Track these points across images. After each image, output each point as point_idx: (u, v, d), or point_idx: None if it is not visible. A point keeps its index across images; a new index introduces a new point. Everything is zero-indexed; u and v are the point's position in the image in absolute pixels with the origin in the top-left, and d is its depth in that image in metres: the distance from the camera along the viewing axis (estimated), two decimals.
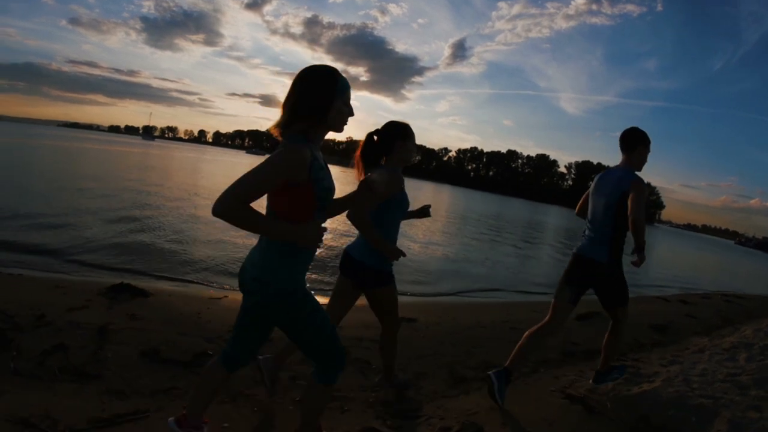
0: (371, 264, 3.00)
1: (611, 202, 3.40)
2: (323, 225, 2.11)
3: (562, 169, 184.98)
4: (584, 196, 3.82)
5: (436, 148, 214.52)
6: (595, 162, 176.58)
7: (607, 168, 3.75)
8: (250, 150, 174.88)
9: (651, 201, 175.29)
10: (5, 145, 34.83)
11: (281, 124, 2.04)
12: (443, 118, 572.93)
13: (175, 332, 4.10)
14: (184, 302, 5.19)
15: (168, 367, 3.43)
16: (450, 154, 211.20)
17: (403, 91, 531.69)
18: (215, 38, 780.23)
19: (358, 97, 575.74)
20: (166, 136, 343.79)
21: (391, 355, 3.43)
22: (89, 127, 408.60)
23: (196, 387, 2.38)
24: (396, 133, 3.02)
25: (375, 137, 3.04)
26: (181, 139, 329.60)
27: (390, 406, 3.37)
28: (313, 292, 2.25)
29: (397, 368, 3.83)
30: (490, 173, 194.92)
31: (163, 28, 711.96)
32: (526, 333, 3.55)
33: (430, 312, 6.42)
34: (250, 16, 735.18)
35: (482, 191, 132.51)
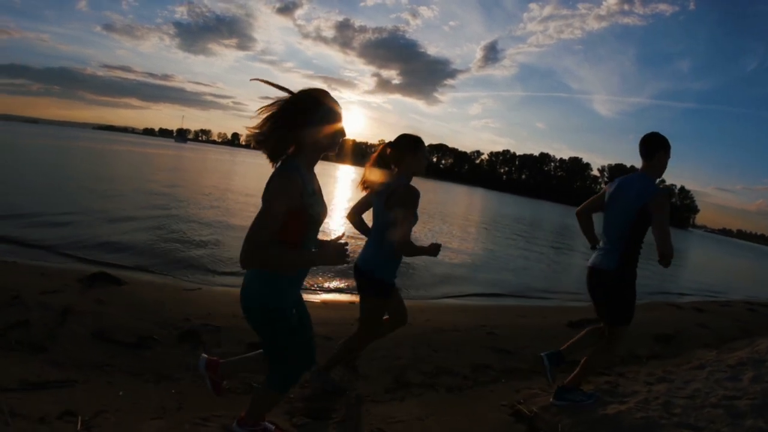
0: (371, 270, 3.15)
1: (630, 216, 3.22)
2: (344, 242, 2.12)
3: (595, 173, 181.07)
4: (592, 198, 3.65)
5: (468, 151, 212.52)
6: (628, 165, 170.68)
7: (625, 176, 3.51)
8: None
9: (684, 205, 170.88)
10: (35, 147, 35.99)
11: (271, 150, 2.10)
12: (476, 121, 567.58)
13: (132, 317, 4.32)
14: (154, 292, 5.40)
15: (111, 347, 3.68)
16: (482, 157, 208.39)
17: (436, 94, 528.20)
18: (248, 42, 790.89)
19: (390, 100, 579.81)
20: (200, 138, 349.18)
21: (342, 353, 3.44)
22: (124, 129, 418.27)
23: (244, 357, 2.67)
24: (407, 146, 3.15)
25: (388, 149, 3.18)
26: (214, 142, 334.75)
27: (310, 402, 3.21)
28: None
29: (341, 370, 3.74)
30: (523, 176, 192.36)
31: (196, 33, 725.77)
32: (589, 328, 3.58)
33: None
34: (282, 21, 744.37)
35: (514, 194, 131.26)
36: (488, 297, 8.82)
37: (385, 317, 3.40)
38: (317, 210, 2.16)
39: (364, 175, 3.23)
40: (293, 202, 2.04)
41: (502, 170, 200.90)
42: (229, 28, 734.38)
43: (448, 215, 25.79)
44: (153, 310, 4.62)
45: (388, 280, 3.17)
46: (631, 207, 3.21)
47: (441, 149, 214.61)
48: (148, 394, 3.03)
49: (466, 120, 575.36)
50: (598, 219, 3.63)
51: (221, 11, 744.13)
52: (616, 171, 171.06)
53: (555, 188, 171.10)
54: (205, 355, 2.68)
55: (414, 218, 3.08)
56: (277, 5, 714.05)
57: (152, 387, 3.16)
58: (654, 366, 4.76)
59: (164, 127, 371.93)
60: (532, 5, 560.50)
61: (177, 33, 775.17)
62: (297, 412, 3.04)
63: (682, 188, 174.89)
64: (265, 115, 2.12)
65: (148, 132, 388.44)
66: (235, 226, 11.43)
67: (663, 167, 3.37)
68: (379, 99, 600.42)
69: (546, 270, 13.37)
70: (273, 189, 2.02)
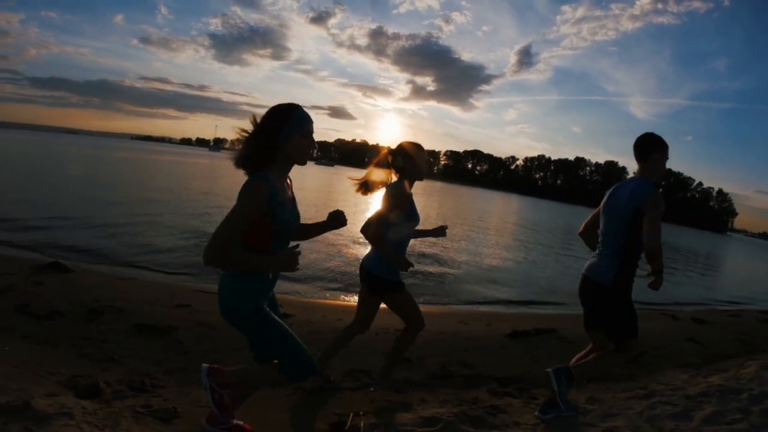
0: (378, 273, 3.25)
1: (623, 220, 3.05)
2: (297, 250, 2.26)
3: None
4: (592, 214, 3.45)
5: (503, 157, 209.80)
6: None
7: (625, 180, 3.37)
8: (319, 161, 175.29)
9: (723, 208, 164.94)
10: (65, 155, 37.07)
11: (243, 159, 2.25)
12: (512, 127, 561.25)
13: (56, 297, 4.83)
14: (93, 279, 5.90)
15: (24, 317, 4.21)
16: (517, 162, 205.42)
17: (471, 100, 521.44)
18: (282, 52, 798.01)
19: (425, 107, 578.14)
20: (236, 147, 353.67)
21: (399, 350, 3.53)
22: (161, 139, 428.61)
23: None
24: (406, 154, 3.28)
25: (389, 157, 3.32)
26: None
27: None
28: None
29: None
30: (558, 181, 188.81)
31: (231, 44, 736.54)
32: (593, 355, 3.32)
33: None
34: (316, 30, 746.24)
35: (550, 200, 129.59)
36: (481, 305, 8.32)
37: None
38: (285, 218, 2.28)
39: (363, 177, 3.31)
40: (259, 209, 2.17)
41: (537, 176, 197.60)
42: (263, 39, 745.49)
43: (475, 223, 25.01)
44: (78, 292, 5.09)
45: (390, 277, 3.25)
46: (625, 210, 3.04)
47: (476, 155, 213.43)
48: (29, 352, 3.43)
49: (502, 126, 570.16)
50: None
51: (255, 22, 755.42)
52: None
53: (590, 193, 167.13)
54: (206, 364, 2.59)
55: (412, 219, 3.26)
56: (311, 15, 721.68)
57: (35, 347, 3.58)
58: (592, 390, 3.85)
59: (201, 136, 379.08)
60: (565, 7, 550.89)
61: (212, 44, 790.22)
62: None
63: (720, 191, 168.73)
64: (246, 137, 2.29)
65: (185, 141, 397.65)
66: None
67: (660, 170, 3.21)
68: (414, 106, 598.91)
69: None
70: (241, 196, 2.18)
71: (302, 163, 2.33)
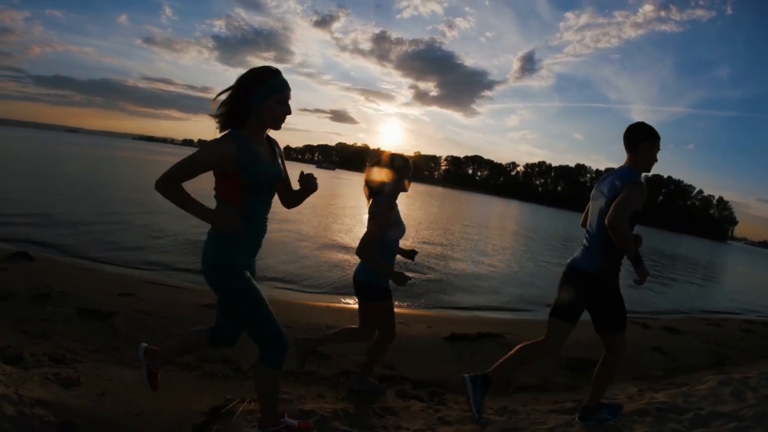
0: (364, 279, 3.29)
1: (604, 207, 2.97)
2: (236, 216, 2.28)
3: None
4: (588, 206, 3.35)
5: (504, 163, 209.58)
6: (665, 176, 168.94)
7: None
8: (320, 164, 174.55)
9: (723, 216, 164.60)
10: (65, 154, 37.35)
11: (218, 120, 2.33)
12: (513, 133, 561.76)
13: (15, 281, 5.15)
14: (52, 268, 6.30)
15: None
16: (518, 168, 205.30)
17: (473, 106, 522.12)
18: (286, 55, 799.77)
19: (428, 112, 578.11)
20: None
21: (374, 358, 3.55)
22: (164, 140, 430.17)
23: (180, 337, 2.85)
24: (390, 166, 3.28)
25: (374, 168, 3.32)
26: None
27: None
28: None
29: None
30: (558, 188, 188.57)
31: (235, 47, 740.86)
32: (519, 345, 3.27)
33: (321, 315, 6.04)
34: (319, 34, 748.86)
35: (549, 206, 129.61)
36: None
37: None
38: (257, 170, 2.28)
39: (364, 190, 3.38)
40: (220, 165, 2.23)
41: (537, 182, 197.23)
42: (266, 41, 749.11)
43: (468, 228, 24.87)
44: (35, 278, 5.35)
45: (376, 284, 3.27)
46: (607, 201, 2.95)
47: (476, 161, 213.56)
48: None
49: (504, 132, 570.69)
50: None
51: (259, 25, 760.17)
52: (653, 182, 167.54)
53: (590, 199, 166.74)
54: (145, 344, 2.79)
55: (398, 229, 3.29)
56: (314, 18, 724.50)
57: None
58: (512, 400, 3.73)
59: (203, 138, 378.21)
60: (569, 14, 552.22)
61: (216, 46, 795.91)
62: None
63: (721, 199, 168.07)
64: (227, 96, 2.33)
65: (188, 143, 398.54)
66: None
67: (649, 160, 3.09)
68: (416, 111, 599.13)
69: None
70: (204, 147, 2.28)
71: (275, 127, 2.40)
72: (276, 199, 2.56)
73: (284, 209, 2.85)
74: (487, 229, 26.72)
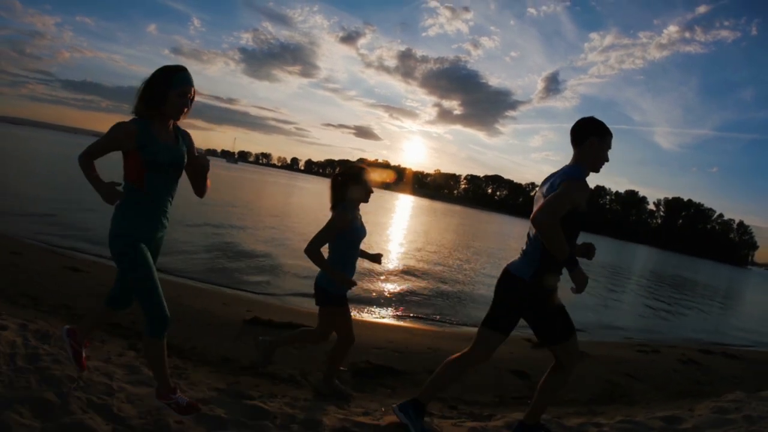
0: (320, 284, 3.49)
1: None
2: (119, 189, 2.54)
3: (651, 207, 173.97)
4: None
5: (523, 183, 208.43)
6: (685, 199, 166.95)
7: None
8: None
9: (743, 241, 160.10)
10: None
11: (136, 108, 2.63)
12: (536, 154, 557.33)
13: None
14: (38, 258, 7.11)
15: None
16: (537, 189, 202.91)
17: (497, 125, 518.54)
18: (311, 70, 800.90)
19: (451, 131, 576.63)
20: (261, 162, 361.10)
21: (333, 360, 3.68)
22: None
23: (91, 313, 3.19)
24: (347, 178, 3.50)
25: (339, 178, 3.53)
26: (274, 165, 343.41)
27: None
28: None
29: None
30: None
31: (261, 59, 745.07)
32: (445, 361, 3.10)
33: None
34: (345, 50, 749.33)
35: None
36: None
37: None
38: (153, 150, 2.58)
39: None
40: (123, 145, 2.56)
41: None
42: (293, 56, 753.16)
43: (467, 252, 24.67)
44: (23, 270, 6.03)
45: (332, 290, 3.45)
46: (546, 196, 2.75)
47: (496, 180, 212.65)
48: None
49: (527, 152, 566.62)
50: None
51: (285, 39, 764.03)
52: (674, 205, 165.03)
53: (609, 222, 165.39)
54: (68, 325, 3.08)
55: (358, 234, 3.50)
56: (341, 34, 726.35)
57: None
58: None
59: (226, 148, 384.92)
60: (593, 35, 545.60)
61: (242, 58, 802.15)
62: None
63: (741, 223, 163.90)
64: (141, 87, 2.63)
65: (210, 152, 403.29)
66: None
67: (597, 157, 2.86)
68: (440, 129, 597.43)
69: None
70: (108, 130, 2.57)
71: (176, 118, 2.69)
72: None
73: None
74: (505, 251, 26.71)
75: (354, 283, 3.45)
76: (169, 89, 2.58)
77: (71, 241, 9.49)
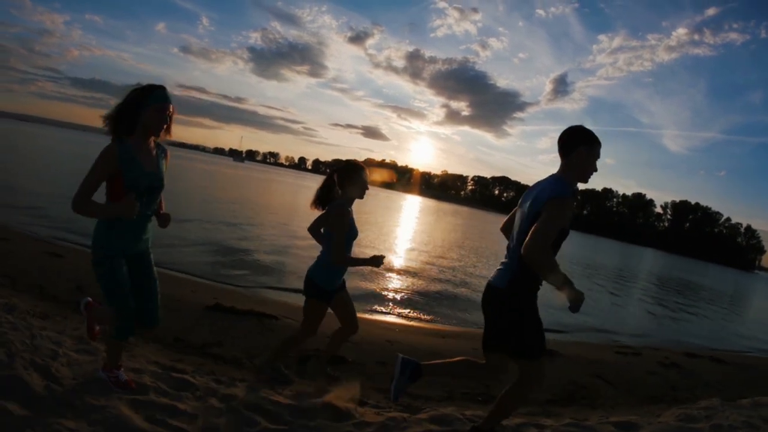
0: (311, 276, 3.61)
1: (525, 222, 2.74)
2: (135, 201, 2.65)
3: (658, 210, 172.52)
4: (514, 210, 3.13)
5: (530, 185, 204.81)
6: (693, 202, 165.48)
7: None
8: None
9: (750, 245, 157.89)
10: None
11: (111, 125, 2.69)
12: (544, 156, 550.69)
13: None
14: (24, 244, 7.75)
15: None
16: None
17: (505, 127, 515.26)
18: (320, 70, 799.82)
19: (459, 132, 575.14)
20: (268, 161, 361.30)
21: (281, 347, 3.85)
22: (195, 147, 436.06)
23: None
24: (346, 173, 3.58)
25: (335, 175, 3.64)
26: (281, 165, 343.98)
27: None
28: None
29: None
30: (584, 212, 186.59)
31: (270, 59, 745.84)
32: (461, 358, 3.12)
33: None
34: (354, 50, 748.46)
35: (574, 231, 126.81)
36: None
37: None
38: (134, 175, 2.69)
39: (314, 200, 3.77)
40: (108, 168, 2.63)
41: None
42: (301, 55, 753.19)
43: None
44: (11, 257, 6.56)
45: (321, 284, 3.58)
46: (527, 215, 2.73)
47: (504, 182, 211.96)
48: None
49: (535, 154, 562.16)
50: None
51: (294, 38, 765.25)
52: (681, 208, 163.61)
53: (616, 225, 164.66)
54: (89, 298, 3.28)
55: (351, 232, 3.57)
56: (349, 35, 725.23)
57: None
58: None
59: (233, 147, 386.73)
60: (602, 37, 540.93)
61: (251, 58, 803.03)
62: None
63: (749, 227, 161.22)
64: (116, 105, 2.72)
65: (218, 151, 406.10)
66: None
67: (585, 167, 2.76)
68: (447, 130, 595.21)
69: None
70: (97, 159, 2.63)
71: (156, 134, 2.80)
72: None
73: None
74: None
75: (383, 255, 3.59)
76: (148, 106, 2.69)
77: (63, 232, 9.95)
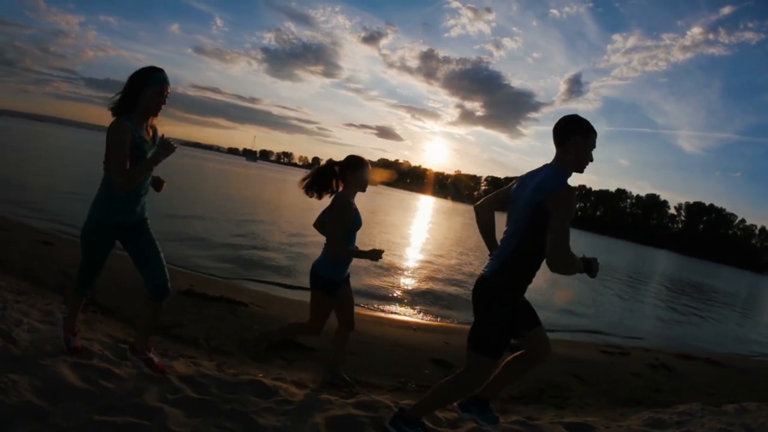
0: (316, 269, 3.65)
1: (522, 214, 2.66)
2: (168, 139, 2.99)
3: (672, 211, 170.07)
4: (497, 191, 3.19)
5: None
6: (707, 203, 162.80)
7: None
8: None
9: (765, 247, 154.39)
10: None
11: (114, 107, 2.93)
12: None
13: None
14: (18, 233, 8.36)
15: None
16: None
17: (519, 127, 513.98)
18: (334, 70, 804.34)
19: (473, 132, 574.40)
20: (282, 161, 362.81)
21: (284, 332, 3.97)
22: (210, 147, 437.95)
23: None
24: (348, 167, 3.60)
25: (336, 167, 3.65)
26: (295, 165, 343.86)
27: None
28: None
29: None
30: (598, 213, 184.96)
31: (284, 59, 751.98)
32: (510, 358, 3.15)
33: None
34: (367, 50, 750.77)
35: (586, 231, 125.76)
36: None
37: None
38: (145, 152, 2.92)
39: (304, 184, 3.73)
40: (128, 139, 2.82)
41: (577, 206, 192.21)
42: (315, 56, 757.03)
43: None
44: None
45: (326, 275, 3.61)
46: (525, 205, 2.64)
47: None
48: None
49: (549, 155, 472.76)
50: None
51: (308, 39, 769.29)
52: (695, 209, 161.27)
53: (630, 226, 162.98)
54: (64, 315, 3.46)
55: (355, 224, 3.62)
56: (363, 35, 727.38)
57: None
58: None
59: (247, 147, 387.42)
60: (616, 36, 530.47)
61: (265, 58, 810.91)
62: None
63: (763, 229, 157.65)
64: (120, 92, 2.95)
65: (232, 151, 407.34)
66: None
67: (581, 157, 2.71)
68: (462, 130, 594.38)
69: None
70: (114, 131, 2.81)
71: (154, 114, 3.01)
72: None
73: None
74: None
75: (382, 250, 3.55)
76: (148, 87, 2.89)
77: (58, 225, 10.46)
